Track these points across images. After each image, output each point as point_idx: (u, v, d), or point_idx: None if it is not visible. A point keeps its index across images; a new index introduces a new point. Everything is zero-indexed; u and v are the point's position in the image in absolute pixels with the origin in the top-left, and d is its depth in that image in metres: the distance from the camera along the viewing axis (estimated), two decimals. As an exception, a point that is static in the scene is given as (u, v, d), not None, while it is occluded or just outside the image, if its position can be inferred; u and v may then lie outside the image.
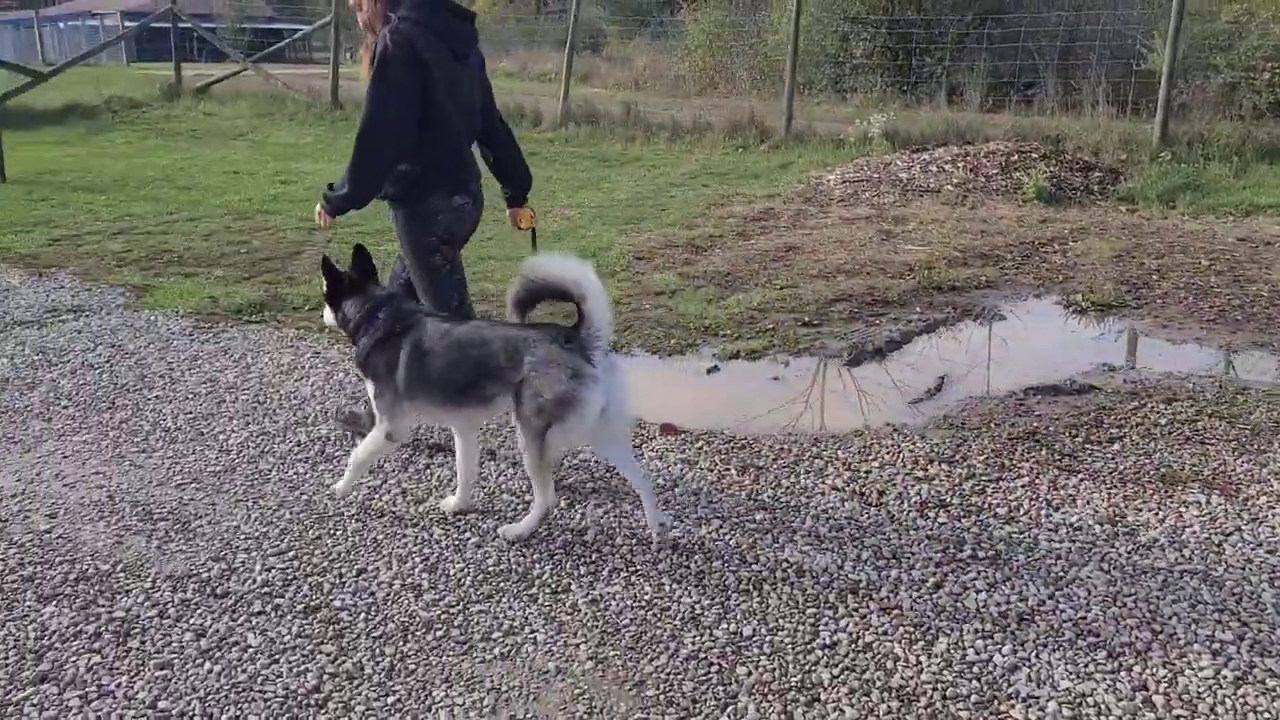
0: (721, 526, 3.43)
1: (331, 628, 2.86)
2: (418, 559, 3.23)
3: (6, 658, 2.71)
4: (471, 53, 3.64)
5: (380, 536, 3.37)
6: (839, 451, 4.02)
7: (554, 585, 3.08)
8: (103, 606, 2.95)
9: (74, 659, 2.71)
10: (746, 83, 20.00)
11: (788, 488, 3.71)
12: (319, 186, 9.64)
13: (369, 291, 3.44)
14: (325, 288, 3.47)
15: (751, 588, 3.05)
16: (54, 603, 2.97)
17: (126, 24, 35.12)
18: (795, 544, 3.30)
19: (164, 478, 3.78)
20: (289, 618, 2.90)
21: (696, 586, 3.06)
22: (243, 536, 3.35)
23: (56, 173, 10.28)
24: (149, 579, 3.10)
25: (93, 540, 3.32)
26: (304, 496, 3.64)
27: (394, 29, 3.39)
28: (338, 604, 2.98)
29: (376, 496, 3.64)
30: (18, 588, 3.04)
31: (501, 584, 3.09)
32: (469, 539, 3.34)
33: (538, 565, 3.19)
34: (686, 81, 21.59)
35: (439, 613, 2.94)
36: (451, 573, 3.15)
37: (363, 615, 2.92)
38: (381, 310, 3.37)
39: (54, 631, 2.83)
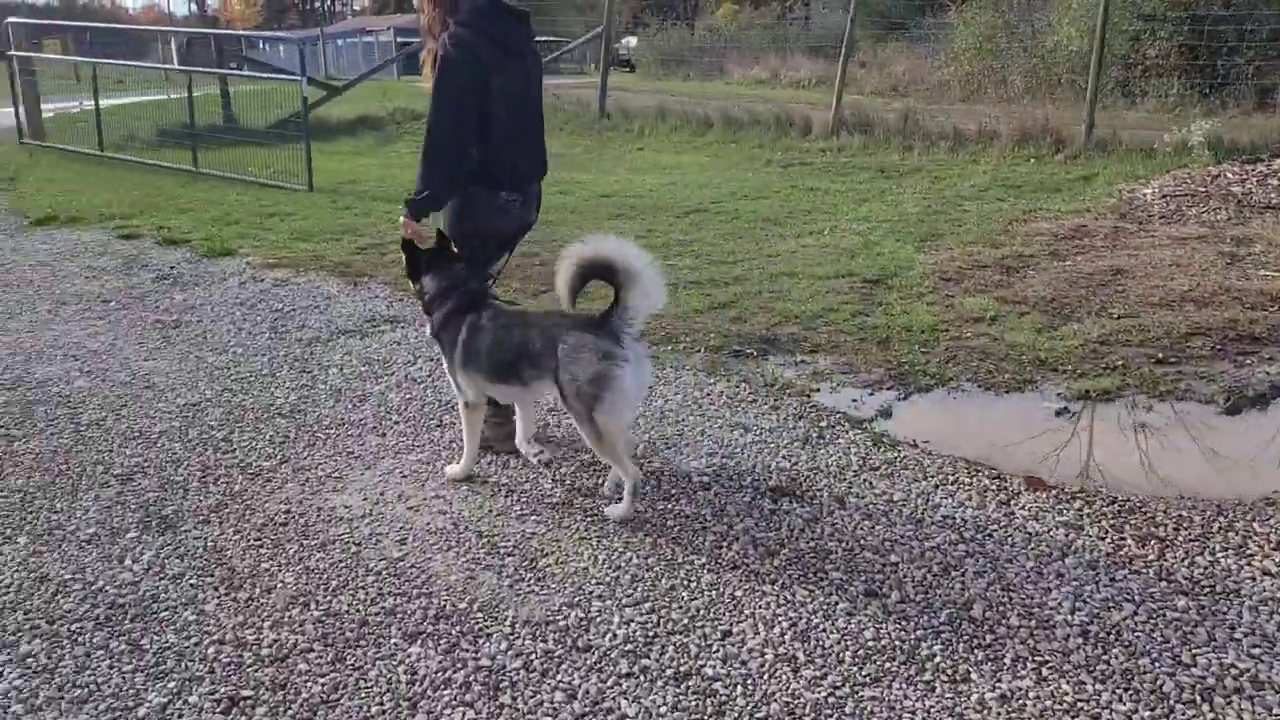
0: (1136, 613, 2.92)
1: (709, 701, 2.58)
2: (784, 623, 2.91)
3: (383, 703, 2.60)
4: (527, 52, 3.76)
5: (739, 593, 3.08)
6: (1255, 523, 3.40)
7: (950, 671, 2.68)
8: (467, 651, 2.81)
9: (449, 711, 2.56)
10: (1020, 87, 18.80)
11: (1204, 568, 3.15)
12: (594, 197, 9.72)
13: (447, 270, 3.68)
14: (406, 264, 3.77)
15: (1198, 698, 2.54)
16: (419, 642, 2.85)
17: (399, 40, 37.51)
18: (1239, 645, 2.74)
19: (502, 506, 3.66)
20: (660, 684, 2.65)
21: (1126, 689, 2.58)
22: (593, 581, 3.15)
23: (355, 182, 10.81)
24: (507, 622, 2.94)
25: (445, 573, 3.21)
26: (648, 539, 3.40)
27: (452, 34, 3.52)
28: (709, 672, 2.70)
29: (726, 546, 3.36)
30: (382, 622, 2.96)
31: (887, 664, 2.72)
32: (837, 603, 3.00)
33: (924, 643, 2.79)
34: (951, 87, 20.56)
35: (824, 694, 2.60)
36: (827, 644, 2.81)
37: (739, 689, 2.63)
38: (454, 289, 3.65)
39: (424, 676, 2.70)
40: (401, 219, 3.70)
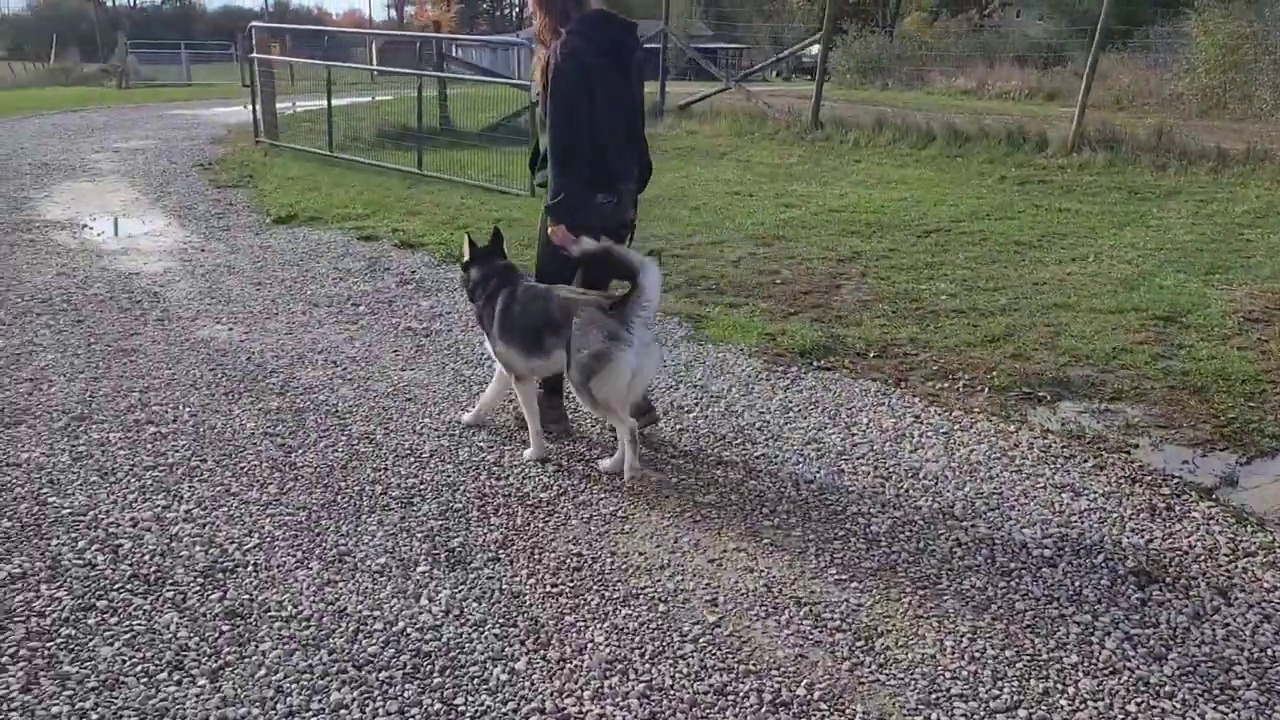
0: None
1: None
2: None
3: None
4: (632, 61, 3.89)
5: (1130, 706, 2.58)
6: None
7: None
8: (819, 753, 2.43)
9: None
10: (1269, 104, 17.21)
11: None
12: (823, 212, 9.26)
13: (491, 262, 4.14)
14: (464, 257, 4.21)
15: None
16: (763, 735, 2.49)
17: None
18: None
19: (816, 567, 3.27)
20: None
21: None
22: (947, 675, 2.72)
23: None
24: (856, 718, 2.54)
25: (769, 647, 2.85)
26: (998, 624, 2.95)
27: (563, 43, 3.72)
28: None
29: (1096, 643, 2.86)
30: (713, 703, 2.62)
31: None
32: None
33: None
34: (1185, 101, 19.06)
35: None
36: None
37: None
38: (495, 274, 4.06)
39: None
40: (550, 230, 3.88)
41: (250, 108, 14.01)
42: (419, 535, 3.50)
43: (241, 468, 4.02)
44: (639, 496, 3.79)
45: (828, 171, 11.91)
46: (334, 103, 15.28)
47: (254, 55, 13.49)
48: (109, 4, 68.63)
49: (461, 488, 3.88)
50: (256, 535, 3.49)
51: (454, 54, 17.91)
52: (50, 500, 3.72)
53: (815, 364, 5.26)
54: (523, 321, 3.88)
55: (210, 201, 10.12)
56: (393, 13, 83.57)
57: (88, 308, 6.22)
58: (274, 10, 77.55)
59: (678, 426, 4.46)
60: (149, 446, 4.20)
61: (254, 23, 14.23)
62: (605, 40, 3.81)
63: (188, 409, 4.60)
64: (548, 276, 4.07)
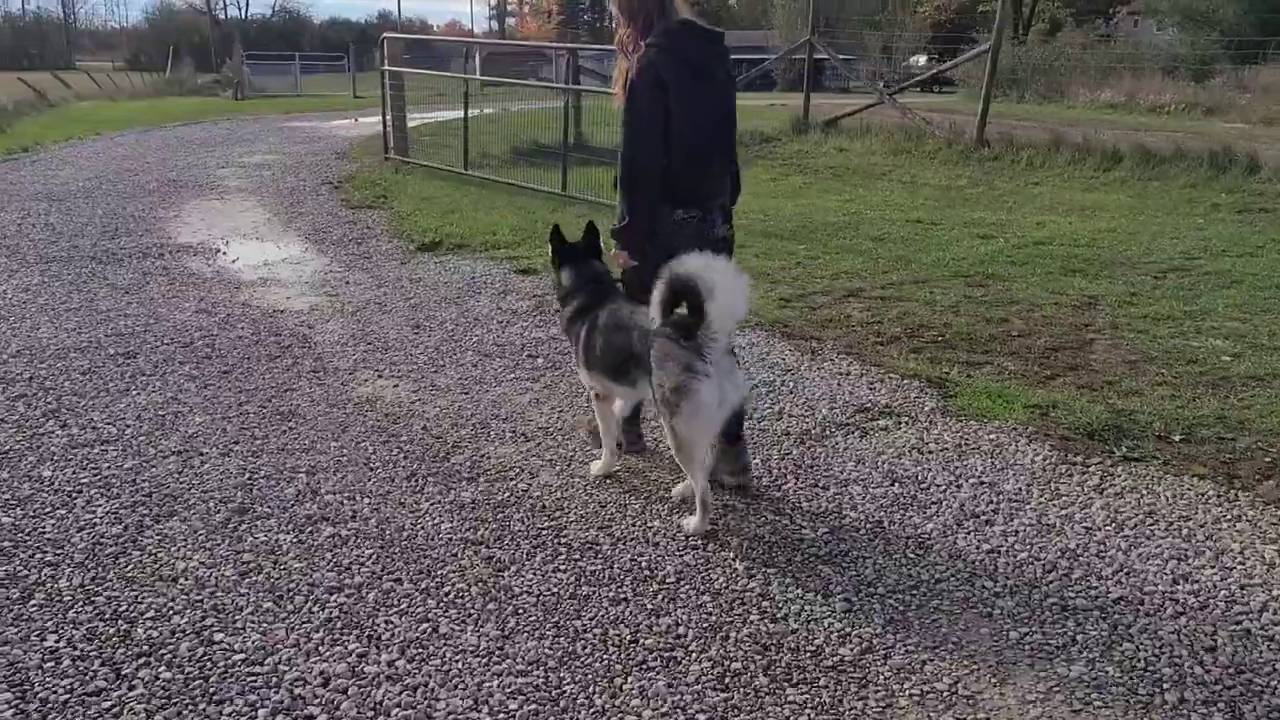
0: None
1: None
2: None
3: None
4: (718, 72, 3.69)
5: None
6: None
7: None
8: None
9: None
10: None
11: None
12: (1026, 245, 8.14)
13: (586, 266, 3.84)
14: (551, 254, 3.94)
15: None
16: None
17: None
18: None
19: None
20: None
21: None
22: None
23: (738, 214, 9.73)
24: None
25: None
26: None
27: (641, 56, 3.54)
28: None
29: None
30: None
31: None
32: None
33: None
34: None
35: None
36: None
37: None
38: (586, 285, 3.80)
39: None
40: (613, 252, 3.74)
41: (381, 121, 13.42)
42: (700, 718, 2.58)
43: (445, 593, 3.16)
44: (975, 660, 2.82)
45: (1006, 196, 10.76)
46: (445, 116, 14.71)
47: (386, 68, 12.89)
48: (222, 16, 70.35)
49: (731, 633, 2.95)
50: (486, 708, 2.62)
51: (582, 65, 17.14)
52: (217, 638, 2.91)
53: (1117, 453, 4.21)
54: (607, 351, 3.67)
55: (346, 224, 9.47)
56: (494, 23, 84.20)
57: (233, 354, 5.50)
58: (377, 21, 78.75)
59: (985, 546, 3.47)
60: (328, 556, 3.37)
61: (387, 34, 13.65)
62: (688, 52, 3.60)
63: (366, 500, 3.78)
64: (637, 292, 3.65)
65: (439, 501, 3.78)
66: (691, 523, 3.53)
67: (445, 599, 3.13)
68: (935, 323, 6.01)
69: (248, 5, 74.73)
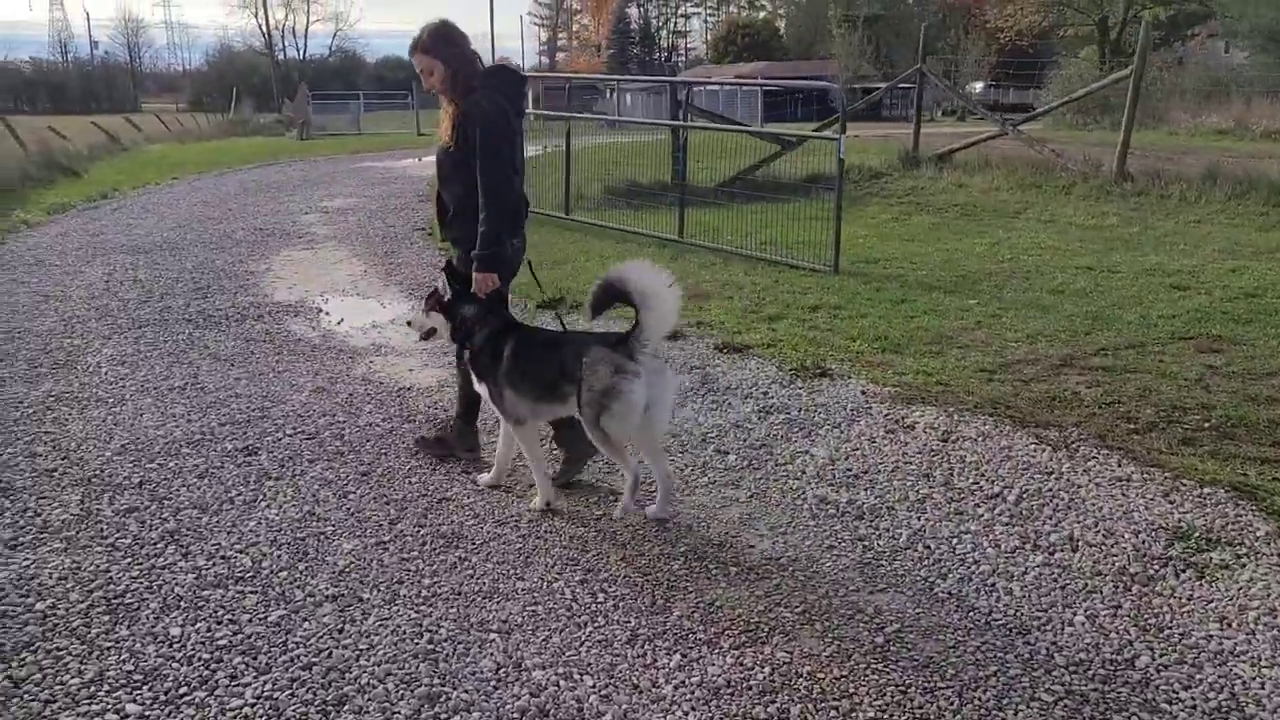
0: None
1: None
2: None
3: None
4: (523, 109, 4.19)
5: None
6: None
7: None
8: None
9: None
10: None
11: None
12: (1237, 298, 7.02)
13: (479, 302, 4.00)
14: (445, 295, 4.03)
15: None
16: None
17: (765, 88, 36.02)
18: None
19: None
20: None
21: None
22: None
23: (876, 261, 8.84)
24: None
25: None
26: None
27: (484, 97, 3.94)
28: None
29: None
30: None
31: None
32: None
33: None
34: None
35: None
36: None
37: None
38: (486, 318, 3.98)
39: None
40: (480, 278, 3.93)
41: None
42: None
43: None
44: None
45: (1172, 237, 9.71)
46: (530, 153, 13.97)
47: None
48: (281, 57, 71.22)
49: None
50: None
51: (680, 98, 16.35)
52: None
53: None
54: (535, 369, 3.84)
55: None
56: (544, 59, 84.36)
57: (367, 448, 4.69)
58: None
59: None
60: (567, 780, 2.48)
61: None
62: (511, 92, 4.06)
63: (588, 679, 2.90)
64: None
65: (682, 683, 2.88)
66: (622, 503, 3.86)
67: None
68: (1189, 402, 5.01)
69: (305, 46, 75.43)
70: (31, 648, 3.06)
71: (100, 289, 8.18)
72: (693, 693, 2.83)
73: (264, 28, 69.51)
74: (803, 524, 3.87)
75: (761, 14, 77.39)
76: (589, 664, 2.97)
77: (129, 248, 10.23)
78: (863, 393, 5.26)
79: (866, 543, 3.71)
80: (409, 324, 4.37)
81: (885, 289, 7.64)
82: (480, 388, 4.03)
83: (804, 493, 4.14)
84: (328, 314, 7.45)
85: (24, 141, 17.66)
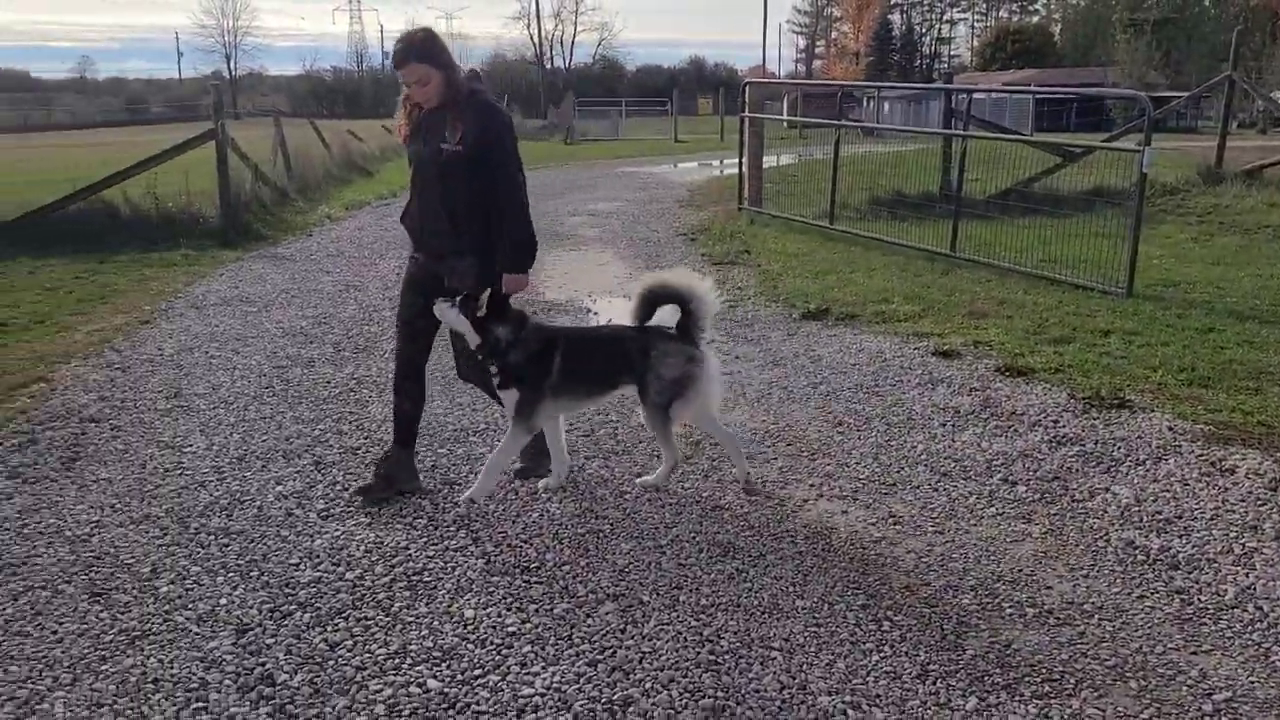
0: None
1: None
2: None
3: None
4: None
5: None
6: None
7: None
8: None
9: None
10: None
11: None
12: None
13: (515, 316, 4.05)
14: (482, 318, 3.93)
15: None
16: None
17: (1036, 96, 34.05)
18: None
19: None
20: None
21: None
22: None
23: (1174, 284, 8.09)
24: None
25: None
26: None
27: (493, 104, 4.00)
28: None
29: None
30: None
31: None
32: None
33: None
34: None
35: None
36: None
37: None
38: (523, 331, 4.01)
39: None
40: (513, 280, 3.93)
41: (738, 169, 12.77)
42: None
43: None
44: None
45: None
46: (780, 162, 13.83)
47: (746, 114, 12.20)
48: (548, 65, 74.64)
49: None
50: None
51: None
52: None
53: None
54: (591, 367, 4.07)
55: (714, 283, 8.68)
56: (800, 66, 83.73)
57: (640, 450, 4.76)
58: (687, 67, 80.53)
59: None
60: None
61: (748, 79, 13.00)
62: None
63: (879, 713, 2.75)
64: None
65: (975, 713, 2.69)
66: (650, 479, 4.26)
67: None
68: None
69: (571, 55, 78.76)
70: (344, 614, 3.27)
71: (392, 280, 8.78)
72: (994, 741, 2.63)
73: (535, 38, 73.23)
74: (1107, 568, 3.55)
75: (1035, 19, 73.52)
76: (878, 695, 2.83)
77: (416, 243, 10.96)
78: (1170, 428, 4.79)
79: (1185, 596, 3.36)
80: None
81: (1188, 316, 6.97)
82: (508, 395, 4.02)
83: (1107, 534, 3.81)
84: (595, 313, 7.65)
85: (328, 143, 19.36)
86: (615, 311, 7.65)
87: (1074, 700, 2.80)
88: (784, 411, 5.29)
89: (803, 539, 3.81)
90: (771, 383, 5.78)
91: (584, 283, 8.83)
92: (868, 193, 12.19)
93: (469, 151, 3.83)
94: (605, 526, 3.93)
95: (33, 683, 2.90)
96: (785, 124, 21.29)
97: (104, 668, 2.98)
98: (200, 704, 2.80)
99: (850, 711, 2.76)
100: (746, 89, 12.47)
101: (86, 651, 3.06)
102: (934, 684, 2.89)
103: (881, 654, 3.04)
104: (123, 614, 3.27)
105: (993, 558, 3.65)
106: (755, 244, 10.50)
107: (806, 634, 3.15)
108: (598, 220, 13.00)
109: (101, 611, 3.29)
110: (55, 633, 3.17)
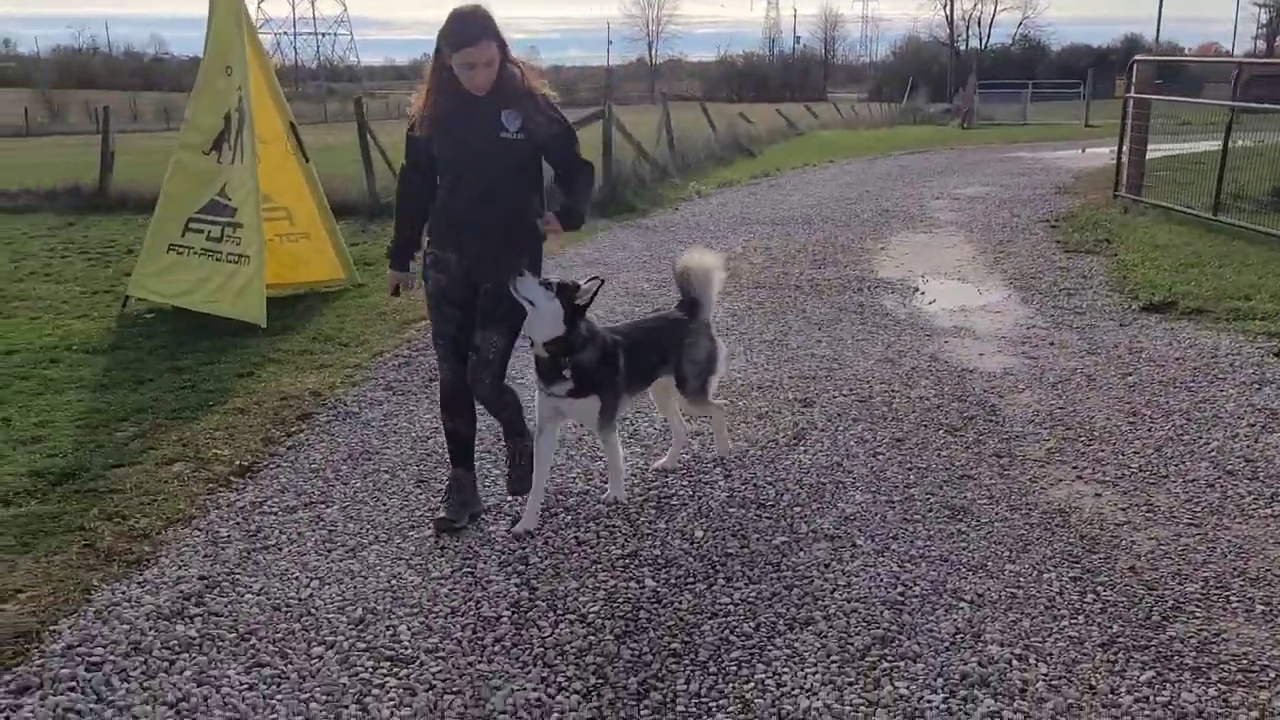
0: None
1: None
2: None
3: None
4: None
5: None
6: None
7: None
8: None
9: None
10: None
11: None
12: None
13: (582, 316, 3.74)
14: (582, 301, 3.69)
15: None
16: None
17: None
18: None
19: None
20: None
21: None
22: None
23: None
24: None
25: None
26: None
27: (552, 101, 3.65)
28: None
29: None
30: None
31: None
32: None
33: None
34: None
35: None
36: None
37: None
38: (587, 329, 3.71)
39: None
40: (555, 227, 3.58)
41: (1116, 153, 11.95)
42: None
43: None
44: None
45: None
46: (1188, 149, 12.50)
47: (1130, 94, 11.38)
48: (962, 47, 71.90)
49: None
50: None
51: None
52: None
53: None
54: (645, 360, 4.01)
55: (1058, 270, 8.40)
56: (1260, 43, 73.33)
57: (910, 419, 4.91)
58: (1120, 45, 73.69)
59: None
60: (980, 746, 2.53)
61: (1138, 57, 12.08)
62: None
63: (1043, 667, 2.86)
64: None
65: (1146, 699, 2.70)
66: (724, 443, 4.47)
67: None
68: None
69: (988, 36, 75.25)
70: (596, 520, 3.87)
71: (737, 253, 9.39)
72: (1154, 712, 2.65)
73: (950, 18, 70.89)
74: (1376, 583, 3.26)
75: None
76: (1049, 653, 2.92)
77: (769, 220, 11.52)
78: None
79: None
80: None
81: None
82: (588, 403, 3.75)
83: (1395, 550, 3.46)
84: (922, 293, 7.72)
85: (714, 124, 20.47)
86: (943, 293, 7.69)
87: (1263, 692, 2.71)
88: (1077, 397, 5.17)
89: (1039, 513, 3.85)
90: (1076, 370, 5.63)
91: (922, 264, 8.87)
92: (1271, 183, 10.87)
93: (535, 140, 3.56)
94: (848, 479, 4.20)
95: (360, 537, 3.78)
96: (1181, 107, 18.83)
97: (411, 533, 3.80)
98: (468, 570, 3.51)
99: (1015, 662, 2.88)
100: (1134, 68, 11.59)
101: (401, 521, 3.91)
102: (1114, 653, 2.91)
103: (1073, 621, 3.09)
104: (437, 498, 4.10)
105: (1242, 554, 3.48)
106: (1121, 233, 9.86)
107: (1004, 593, 3.26)
108: (960, 204, 12.76)
109: (421, 494, 4.15)
110: (385, 506, 4.06)
